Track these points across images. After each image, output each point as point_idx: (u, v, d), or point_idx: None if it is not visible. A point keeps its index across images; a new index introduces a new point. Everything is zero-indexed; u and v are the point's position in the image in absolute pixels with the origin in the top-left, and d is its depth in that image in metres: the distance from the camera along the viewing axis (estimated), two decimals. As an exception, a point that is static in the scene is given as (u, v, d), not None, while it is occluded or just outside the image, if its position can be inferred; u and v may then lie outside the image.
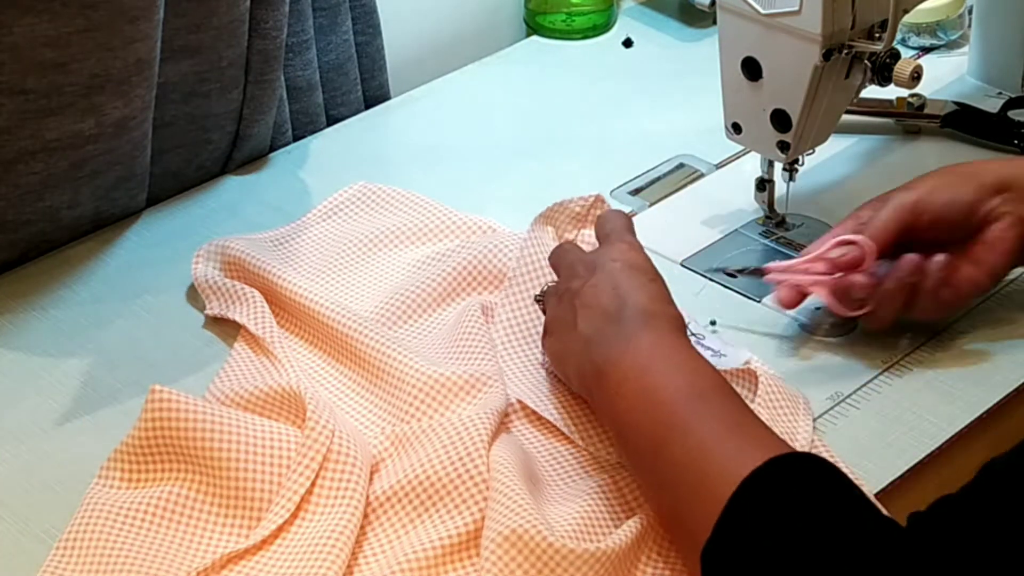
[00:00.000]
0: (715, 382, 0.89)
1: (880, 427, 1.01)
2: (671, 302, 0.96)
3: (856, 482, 0.83)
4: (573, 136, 1.34)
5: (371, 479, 0.93)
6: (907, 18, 1.34)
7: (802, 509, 0.80)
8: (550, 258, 1.05)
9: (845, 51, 1.07)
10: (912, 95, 1.28)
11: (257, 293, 1.08)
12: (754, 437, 0.85)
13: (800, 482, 0.81)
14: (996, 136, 1.28)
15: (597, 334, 0.93)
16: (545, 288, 1.05)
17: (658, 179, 1.28)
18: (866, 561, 0.77)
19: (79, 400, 1.05)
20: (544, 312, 1.03)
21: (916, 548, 0.77)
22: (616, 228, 1.03)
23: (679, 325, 0.94)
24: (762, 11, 1.07)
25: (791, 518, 0.80)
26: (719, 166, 1.29)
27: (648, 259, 0.99)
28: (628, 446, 0.90)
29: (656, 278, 0.97)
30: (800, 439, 0.97)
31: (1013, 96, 1.32)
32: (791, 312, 1.09)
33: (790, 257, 1.16)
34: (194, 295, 1.15)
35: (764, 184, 1.19)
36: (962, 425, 1.00)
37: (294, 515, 0.91)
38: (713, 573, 0.82)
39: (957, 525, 0.77)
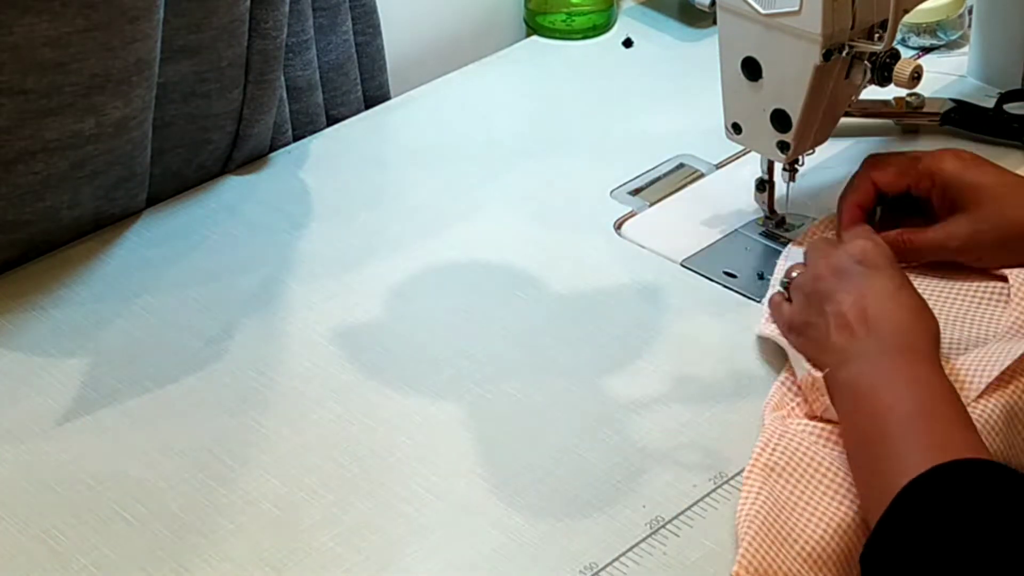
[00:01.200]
0: (935, 403, 0.92)
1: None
2: (919, 310, 0.99)
3: None
4: (573, 136, 1.35)
5: None
6: (907, 18, 1.34)
7: (961, 514, 0.82)
8: (808, 245, 1.10)
9: (845, 51, 1.07)
10: (911, 95, 1.28)
11: None
12: (949, 452, 0.87)
13: (964, 486, 0.83)
14: (994, 131, 1.28)
15: (845, 352, 0.97)
16: (792, 276, 1.07)
17: (658, 179, 1.28)
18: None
19: (79, 400, 1.05)
20: (788, 299, 1.06)
21: None
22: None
23: (924, 341, 0.97)
24: (762, 11, 1.07)
25: (948, 523, 0.81)
26: (719, 166, 1.29)
27: (890, 254, 1.03)
28: (851, 455, 0.94)
29: (902, 283, 1.00)
30: None
31: (1006, 91, 1.32)
32: None
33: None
34: (194, 295, 1.15)
35: (764, 184, 1.19)
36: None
37: None
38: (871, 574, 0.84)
39: None
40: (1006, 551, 0.80)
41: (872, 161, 1.15)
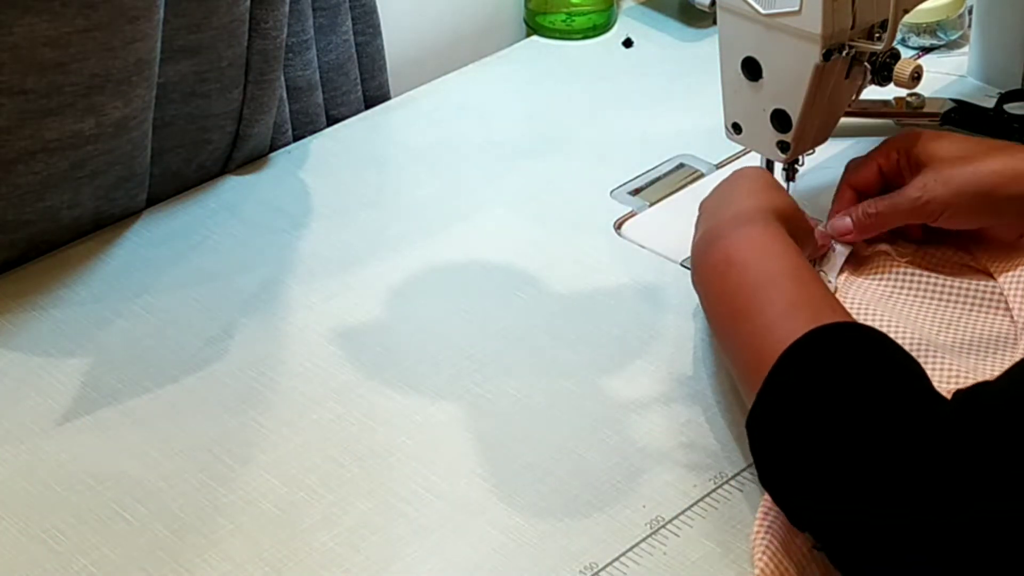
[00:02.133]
0: (791, 266, 0.95)
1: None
2: (775, 194, 1.05)
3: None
4: (573, 136, 1.34)
5: None
6: (907, 18, 1.34)
7: (840, 375, 0.84)
8: None
9: (845, 51, 1.07)
10: (911, 95, 1.28)
11: None
12: (814, 315, 0.89)
13: (841, 349, 0.86)
14: (994, 131, 1.28)
15: (707, 230, 1.04)
16: None
17: (658, 179, 1.28)
18: (903, 429, 0.80)
19: (79, 400, 1.05)
20: None
21: (959, 422, 0.79)
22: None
23: (777, 216, 1.01)
24: (762, 11, 1.07)
25: (828, 385, 0.84)
26: (719, 166, 1.29)
27: (762, 172, 1.11)
28: (712, 322, 1.01)
29: (759, 174, 1.08)
30: None
31: (1006, 91, 1.32)
32: None
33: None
34: (194, 295, 1.15)
35: (764, 184, 1.19)
36: None
37: None
38: (756, 443, 0.87)
39: (999, 402, 0.79)
40: (886, 410, 0.82)
41: (847, 170, 1.17)
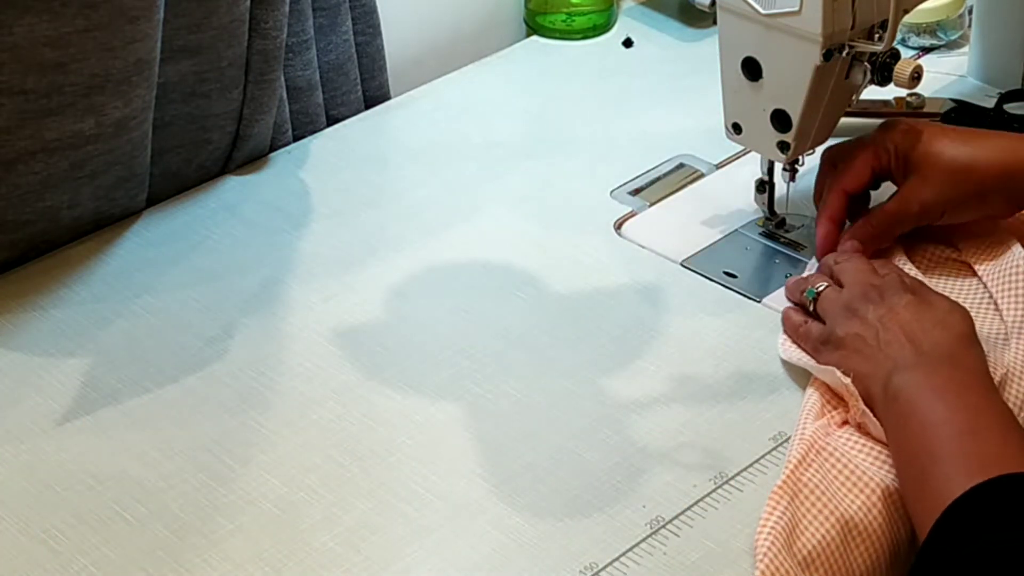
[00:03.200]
0: (987, 419, 0.92)
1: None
2: (970, 335, 1.00)
3: None
4: (573, 136, 1.34)
5: None
6: (907, 18, 1.34)
7: (1006, 530, 0.83)
8: (839, 264, 1.09)
9: (845, 51, 1.07)
10: (911, 95, 1.28)
11: None
12: (995, 470, 0.87)
13: (1009, 502, 0.84)
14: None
15: (901, 362, 0.97)
16: (819, 289, 1.06)
17: (658, 179, 1.28)
18: None
19: (79, 400, 1.05)
20: (812, 311, 1.06)
21: None
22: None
23: (975, 361, 0.98)
24: (762, 11, 1.07)
25: (992, 541, 0.82)
26: (719, 166, 1.29)
27: (932, 290, 1.05)
28: (899, 469, 0.95)
29: (952, 307, 1.02)
30: None
31: (1006, 91, 1.32)
32: None
33: (790, 258, 1.17)
34: (194, 295, 1.15)
35: (764, 186, 1.19)
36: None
37: None
38: None
39: None
40: None
41: (828, 173, 1.15)
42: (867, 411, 0.98)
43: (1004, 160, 1.08)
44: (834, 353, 1.02)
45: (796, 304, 1.09)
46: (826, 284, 1.06)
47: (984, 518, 0.85)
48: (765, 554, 0.89)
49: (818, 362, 1.03)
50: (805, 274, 1.12)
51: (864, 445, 0.97)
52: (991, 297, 1.09)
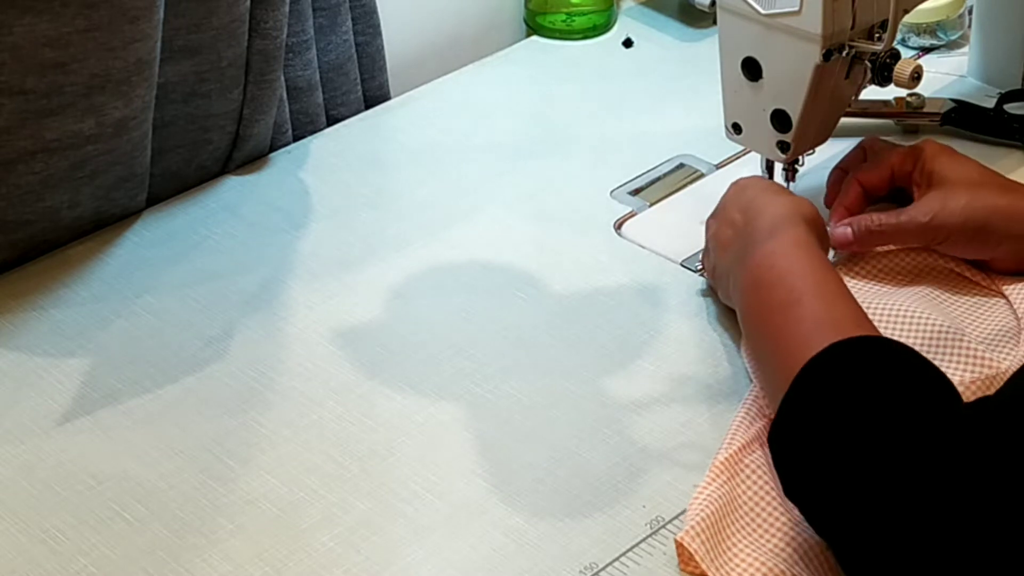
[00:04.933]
0: (820, 282, 0.95)
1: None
2: (795, 201, 1.04)
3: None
4: (573, 136, 1.34)
5: None
6: (907, 18, 1.34)
7: (861, 387, 0.85)
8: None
9: (845, 51, 1.07)
10: (911, 95, 1.28)
11: None
12: (841, 330, 0.89)
13: (863, 361, 0.86)
14: (994, 131, 1.28)
15: (734, 248, 1.04)
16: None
17: (658, 179, 1.28)
18: (921, 439, 0.80)
19: (79, 400, 1.05)
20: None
21: (969, 434, 0.80)
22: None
23: (799, 225, 1.01)
24: (762, 11, 1.07)
25: (849, 397, 0.84)
26: (719, 166, 1.29)
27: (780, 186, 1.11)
28: (747, 340, 1.02)
29: (780, 188, 1.08)
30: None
31: (1006, 91, 1.32)
32: None
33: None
34: (194, 295, 1.15)
35: (763, 186, 1.19)
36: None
37: None
38: (778, 454, 0.87)
39: (1005, 414, 0.80)
40: (903, 420, 0.82)
41: (852, 165, 1.17)
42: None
43: (1019, 208, 1.08)
44: (705, 260, 1.11)
45: None
46: None
47: (841, 375, 0.87)
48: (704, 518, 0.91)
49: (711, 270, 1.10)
50: None
51: None
52: (1000, 295, 1.09)
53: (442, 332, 1.11)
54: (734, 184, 1.10)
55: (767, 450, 0.97)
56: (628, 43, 1.49)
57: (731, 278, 1.04)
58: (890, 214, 1.11)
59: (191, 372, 1.07)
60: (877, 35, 1.08)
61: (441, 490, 0.97)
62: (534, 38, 1.51)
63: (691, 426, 1.01)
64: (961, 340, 1.02)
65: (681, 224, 1.22)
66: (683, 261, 1.17)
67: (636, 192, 1.26)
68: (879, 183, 1.14)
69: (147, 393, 1.06)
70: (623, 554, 0.92)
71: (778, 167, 1.17)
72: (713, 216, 1.10)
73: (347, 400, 1.05)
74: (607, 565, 0.91)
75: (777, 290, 0.96)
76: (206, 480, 0.98)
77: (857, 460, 0.82)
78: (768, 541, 0.91)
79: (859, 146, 1.18)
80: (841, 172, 1.18)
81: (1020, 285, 1.09)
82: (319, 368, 1.08)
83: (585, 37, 1.50)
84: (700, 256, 1.14)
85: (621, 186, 1.27)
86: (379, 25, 1.39)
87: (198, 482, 0.98)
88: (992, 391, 0.92)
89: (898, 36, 1.28)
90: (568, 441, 1.01)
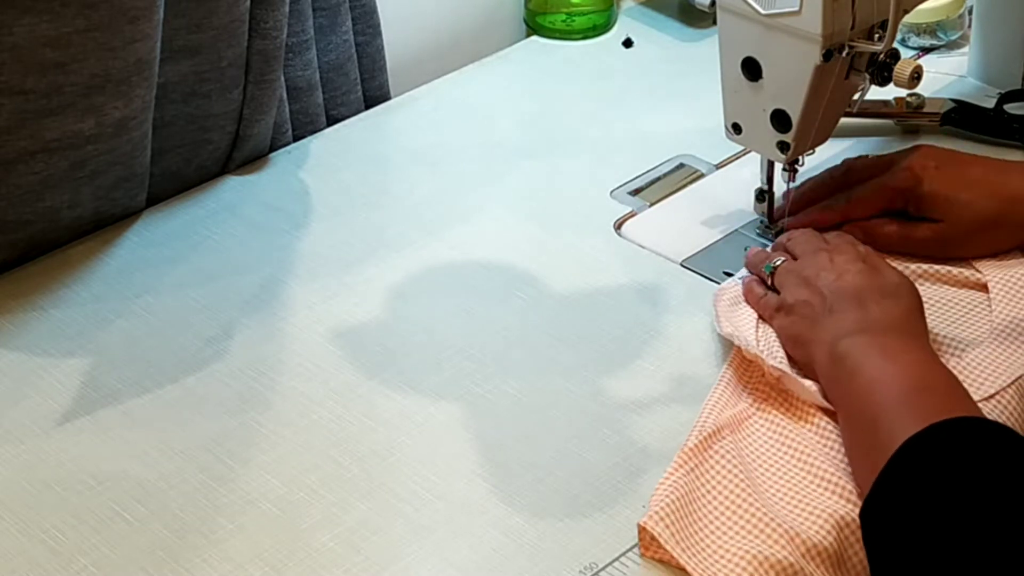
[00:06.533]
0: (933, 377, 0.94)
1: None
2: (917, 308, 1.01)
3: None
4: (573, 136, 1.34)
5: None
6: (907, 18, 1.34)
7: (959, 469, 0.83)
8: (790, 239, 1.11)
9: (845, 51, 1.07)
10: (911, 95, 1.28)
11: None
12: (940, 408, 0.89)
13: (961, 443, 0.85)
14: (994, 131, 1.28)
15: (849, 326, 0.99)
16: (776, 264, 1.08)
17: (658, 179, 1.28)
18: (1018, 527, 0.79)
19: (79, 400, 1.05)
20: (769, 285, 1.08)
21: None
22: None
23: (918, 327, 1.00)
24: (762, 11, 1.07)
25: (946, 478, 0.83)
26: (719, 166, 1.29)
27: (883, 260, 1.07)
28: (845, 429, 0.97)
29: (901, 280, 1.03)
30: None
31: (1006, 91, 1.32)
32: None
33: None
34: (194, 295, 1.15)
35: (763, 195, 1.19)
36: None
37: None
38: (870, 533, 0.86)
39: None
40: (1005, 506, 0.81)
41: (850, 198, 1.16)
42: (785, 371, 1.00)
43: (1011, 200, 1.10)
44: (785, 319, 1.04)
45: (757, 276, 1.11)
46: (783, 259, 1.08)
47: (930, 462, 0.86)
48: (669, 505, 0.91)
49: (771, 327, 1.05)
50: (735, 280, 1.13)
51: (775, 433, 0.99)
52: (987, 299, 1.09)
53: (442, 332, 1.11)
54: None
55: (736, 436, 0.98)
56: (628, 43, 1.49)
57: (832, 352, 0.99)
58: (886, 226, 1.14)
59: (191, 372, 1.07)
60: (877, 35, 1.08)
61: (441, 490, 0.97)
62: (534, 38, 1.51)
63: (691, 426, 1.01)
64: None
65: (681, 224, 1.22)
66: (683, 261, 1.17)
67: (636, 192, 1.26)
68: (869, 215, 1.15)
69: (147, 393, 1.06)
70: (623, 554, 0.92)
71: (778, 167, 1.17)
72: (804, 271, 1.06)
73: (347, 400, 1.05)
74: (607, 565, 0.91)
75: (896, 379, 0.94)
76: (206, 480, 0.98)
77: (956, 549, 0.81)
78: (738, 524, 0.92)
79: (840, 168, 1.18)
80: (814, 190, 1.17)
81: (1002, 272, 1.10)
82: (319, 368, 1.08)
83: (585, 37, 1.50)
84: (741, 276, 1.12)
85: (621, 186, 1.27)
86: (379, 25, 1.39)
87: (198, 482, 0.98)
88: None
89: (898, 36, 1.28)
90: (568, 441, 1.01)
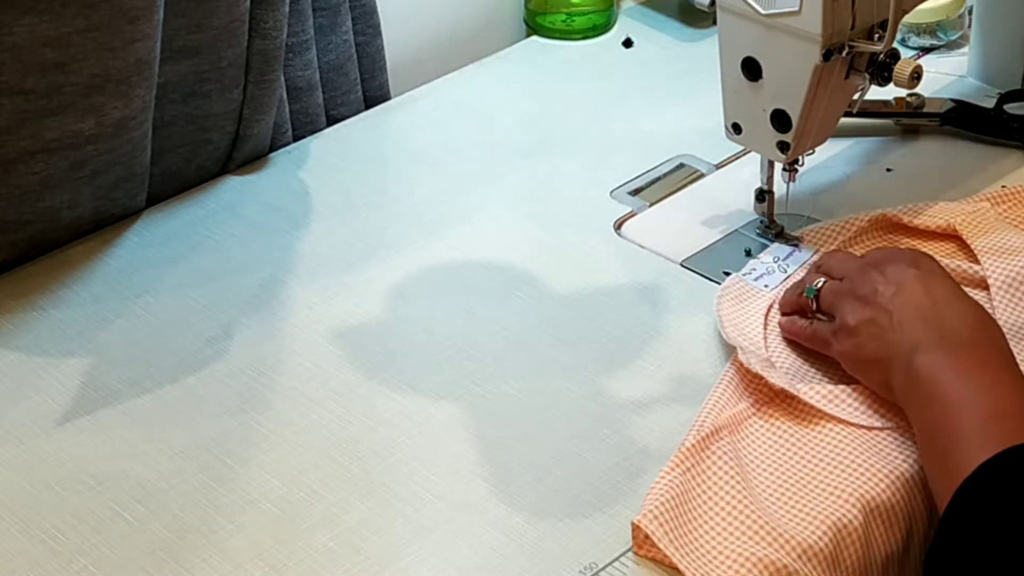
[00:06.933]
0: (1010, 400, 0.91)
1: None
2: (986, 315, 0.98)
3: None
4: (573, 136, 1.34)
5: None
6: (907, 18, 1.34)
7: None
8: (824, 262, 1.08)
9: (845, 51, 1.07)
10: (911, 95, 1.28)
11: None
12: (1009, 435, 0.87)
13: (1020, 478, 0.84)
14: (994, 131, 1.28)
15: (921, 343, 0.95)
16: (818, 286, 1.05)
17: (658, 179, 1.28)
18: None
19: (79, 400, 1.05)
20: (815, 309, 1.04)
21: None
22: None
23: (997, 342, 0.96)
24: (762, 11, 1.07)
25: (1013, 511, 0.82)
26: (719, 166, 1.29)
27: (940, 264, 1.03)
28: (922, 448, 0.94)
29: (962, 290, 0.99)
30: None
31: (1006, 91, 1.32)
32: None
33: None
34: (194, 295, 1.15)
35: (763, 195, 1.19)
36: None
37: None
38: (935, 561, 0.85)
39: None
40: None
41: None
42: (785, 387, 0.99)
43: None
44: (849, 342, 1.00)
45: (793, 312, 1.08)
46: (823, 280, 1.06)
47: (1003, 488, 0.84)
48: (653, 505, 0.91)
49: (831, 353, 1.03)
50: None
51: (773, 435, 0.99)
52: (987, 297, 1.09)
53: (442, 332, 1.11)
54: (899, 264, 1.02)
55: (735, 437, 0.98)
56: (628, 43, 1.49)
57: (908, 370, 0.96)
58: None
59: (191, 372, 1.07)
60: (877, 35, 1.08)
61: (441, 490, 0.97)
62: (534, 38, 1.51)
63: (691, 426, 1.01)
64: None
65: (681, 224, 1.22)
66: (683, 261, 1.17)
67: (636, 192, 1.26)
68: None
69: (147, 393, 1.06)
70: (623, 554, 0.92)
71: (778, 167, 1.17)
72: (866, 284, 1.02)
73: (347, 400, 1.05)
74: (607, 565, 0.91)
75: (974, 401, 0.91)
76: (206, 480, 0.98)
77: None
78: (733, 525, 0.92)
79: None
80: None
81: (1002, 269, 1.10)
82: (319, 368, 1.08)
83: (585, 37, 1.50)
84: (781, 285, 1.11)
85: (621, 186, 1.27)
86: (379, 25, 1.39)
87: (198, 482, 0.98)
88: None
89: (898, 36, 1.28)
90: (568, 441, 1.01)
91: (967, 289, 1.07)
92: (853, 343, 1.00)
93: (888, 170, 1.27)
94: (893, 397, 0.97)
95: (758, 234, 1.20)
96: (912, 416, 0.95)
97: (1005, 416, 0.89)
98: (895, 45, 1.09)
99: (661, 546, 0.89)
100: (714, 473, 0.95)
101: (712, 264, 1.17)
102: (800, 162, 1.16)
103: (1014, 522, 0.83)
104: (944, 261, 1.11)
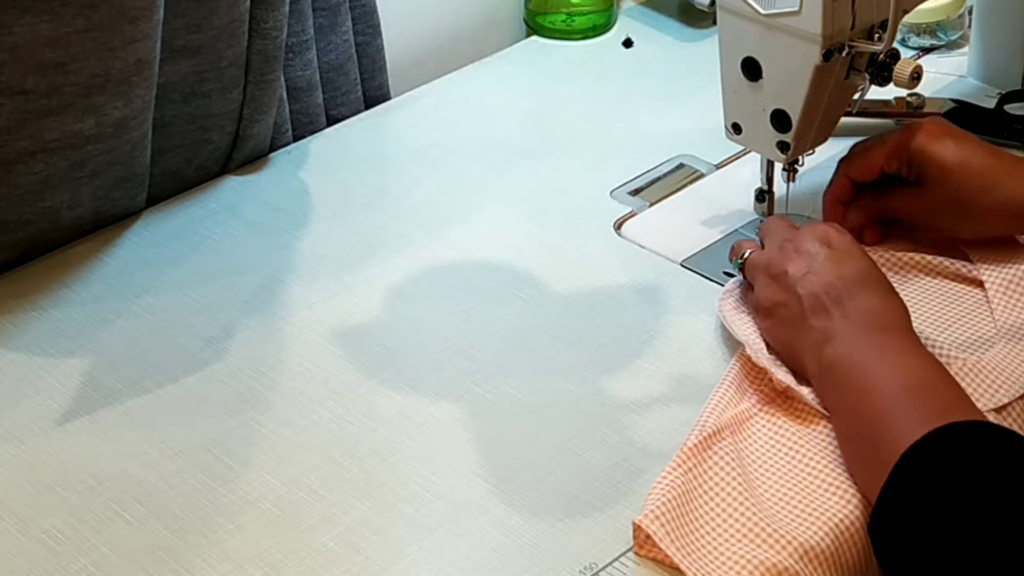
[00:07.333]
0: (926, 377, 0.92)
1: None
2: (889, 291, 1.00)
3: None
4: (573, 136, 1.35)
5: None
6: (907, 18, 1.34)
7: (964, 475, 0.83)
8: (762, 226, 1.11)
9: (845, 51, 1.07)
10: (911, 95, 1.29)
11: None
12: (946, 419, 0.87)
13: (965, 447, 0.84)
14: (994, 131, 1.28)
15: (825, 332, 0.98)
16: (744, 256, 1.07)
17: (658, 179, 1.28)
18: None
19: (79, 400, 1.05)
20: (742, 275, 1.08)
21: None
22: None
23: (900, 320, 0.98)
24: (762, 11, 1.07)
25: (952, 484, 0.82)
26: (719, 166, 1.29)
27: (852, 238, 1.03)
28: (842, 438, 0.96)
29: (870, 266, 1.01)
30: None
31: (1006, 91, 1.32)
32: None
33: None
34: (194, 295, 1.15)
35: (763, 195, 1.19)
36: None
37: None
38: (878, 544, 0.86)
39: None
40: (1011, 510, 0.81)
41: (847, 156, 1.17)
42: (791, 384, 1.00)
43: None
44: (765, 321, 1.03)
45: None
46: (751, 250, 1.08)
47: (941, 464, 0.85)
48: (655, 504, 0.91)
49: (758, 327, 1.04)
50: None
51: (775, 434, 0.99)
52: (986, 299, 1.09)
53: (442, 332, 1.11)
54: (813, 233, 1.04)
55: (737, 437, 0.98)
56: (628, 43, 1.49)
57: (819, 358, 0.98)
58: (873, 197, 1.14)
59: (191, 372, 1.07)
60: (877, 35, 1.08)
61: (441, 490, 0.97)
62: (534, 38, 1.51)
63: (691, 426, 1.01)
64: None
65: (681, 224, 1.22)
66: (683, 261, 1.17)
67: (636, 192, 1.26)
68: (866, 175, 1.14)
69: (147, 393, 1.06)
70: (623, 554, 0.92)
71: (778, 167, 1.17)
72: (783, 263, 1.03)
73: (347, 400, 1.05)
74: (607, 565, 0.91)
75: (889, 380, 0.93)
76: (206, 480, 0.98)
77: (968, 558, 0.81)
78: (734, 526, 0.92)
79: (851, 149, 1.18)
80: (833, 203, 1.16)
81: (998, 272, 1.10)
82: (319, 368, 1.08)
83: (585, 37, 1.50)
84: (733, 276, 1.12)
85: (621, 186, 1.27)
86: (379, 25, 1.39)
87: (198, 482, 0.98)
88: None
89: (898, 36, 1.28)
90: (568, 441, 1.01)
91: (961, 287, 1.08)
92: (767, 324, 1.03)
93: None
94: (809, 379, 1.00)
95: (758, 234, 1.20)
96: (829, 404, 0.97)
97: (921, 391, 0.91)
98: (895, 45, 1.09)
99: (663, 547, 0.89)
100: (716, 474, 0.95)
101: (712, 264, 1.17)
102: (800, 162, 1.16)
103: (952, 495, 0.84)
104: (938, 259, 1.11)
